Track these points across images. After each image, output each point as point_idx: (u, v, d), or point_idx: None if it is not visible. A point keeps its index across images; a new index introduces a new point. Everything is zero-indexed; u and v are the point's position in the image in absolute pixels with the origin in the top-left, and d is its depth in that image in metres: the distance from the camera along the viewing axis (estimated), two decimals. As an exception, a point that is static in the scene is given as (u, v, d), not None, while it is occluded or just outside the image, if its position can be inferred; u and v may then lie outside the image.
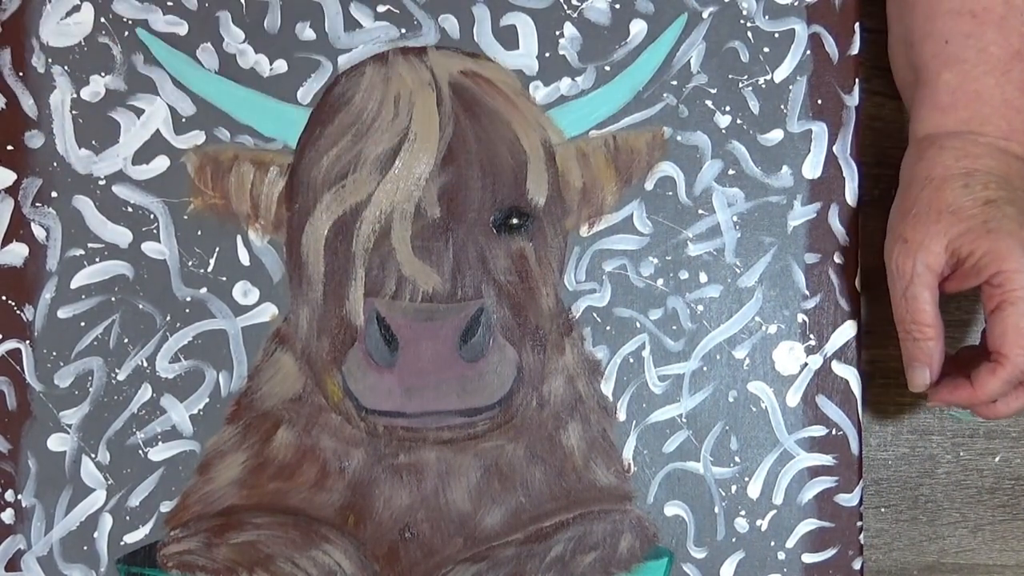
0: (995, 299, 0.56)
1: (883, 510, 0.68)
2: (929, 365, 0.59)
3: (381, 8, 0.64)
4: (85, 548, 0.62)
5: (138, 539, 0.63)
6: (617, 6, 0.64)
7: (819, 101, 0.65)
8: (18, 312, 0.63)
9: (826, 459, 0.64)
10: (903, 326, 0.59)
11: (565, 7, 0.64)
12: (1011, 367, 0.56)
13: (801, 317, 0.65)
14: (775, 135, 0.65)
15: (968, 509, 0.68)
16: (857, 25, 0.65)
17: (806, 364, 0.65)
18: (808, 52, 0.65)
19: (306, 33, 0.64)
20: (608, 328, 0.64)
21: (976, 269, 0.56)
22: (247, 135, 0.63)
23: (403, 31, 0.64)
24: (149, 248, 0.63)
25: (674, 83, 0.64)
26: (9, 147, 0.63)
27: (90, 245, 0.63)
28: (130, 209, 0.63)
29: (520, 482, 0.63)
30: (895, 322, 0.60)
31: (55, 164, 0.63)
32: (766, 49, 0.65)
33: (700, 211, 0.64)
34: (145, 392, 0.63)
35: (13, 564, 0.62)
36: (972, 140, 0.58)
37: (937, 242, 0.57)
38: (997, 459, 0.68)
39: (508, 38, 0.64)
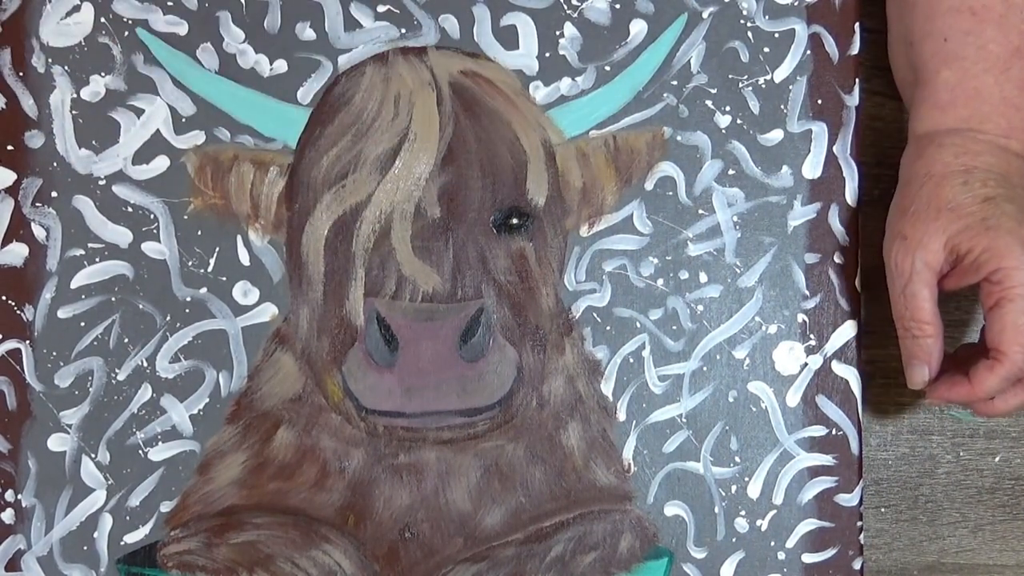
0: (994, 296, 0.56)
1: (883, 510, 0.68)
2: (928, 363, 0.59)
3: (381, 8, 0.64)
4: (85, 548, 0.62)
5: (138, 539, 0.63)
6: (617, 6, 0.64)
7: (819, 101, 0.65)
8: (18, 312, 0.63)
9: (826, 459, 0.64)
10: (902, 323, 0.59)
11: (565, 7, 0.64)
12: (1009, 364, 0.56)
13: (801, 317, 0.65)
14: (775, 135, 0.65)
15: (968, 509, 0.68)
16: (857, 25, 0.65)
17: (806, 364, 0.65)
18: (808, 52, 0.65)
19: (306, 33, 0.64)
20: (608, 328, 0.64)
21: (975, 266, 0.56)
22: (247, 135, 0.63)
23: (403, 31, 0.64)
24: (149, 248, 0.63)
25: (674, 83, 0.64)
26: (9, 147, 0.63)
27: (90, 245, 0.63)
28: (130, 209, 0.63)
29: (520, 482, 0.63)
30: (894, 319, 0.60)
31: (55, 164, 0.63)
32: (766, 49, 0.65)
33: (700, 211, 0.64)
34: (145, 392, 0.63)
35: (13, 564, 0.62)
36: (971, 137, 0.59)
37: (936, 239, 0.57)
38: (997, 459, 0.68)
39: (508, 38, 0.64)
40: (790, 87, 0.65)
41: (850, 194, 0.65)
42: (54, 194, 0.63)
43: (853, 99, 0.65)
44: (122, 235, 0.63)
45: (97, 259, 0.63)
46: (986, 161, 0.58)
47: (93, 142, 0.63)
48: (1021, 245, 0.55)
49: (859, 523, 0.64)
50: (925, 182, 0.59)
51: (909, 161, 0.61)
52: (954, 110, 0.59)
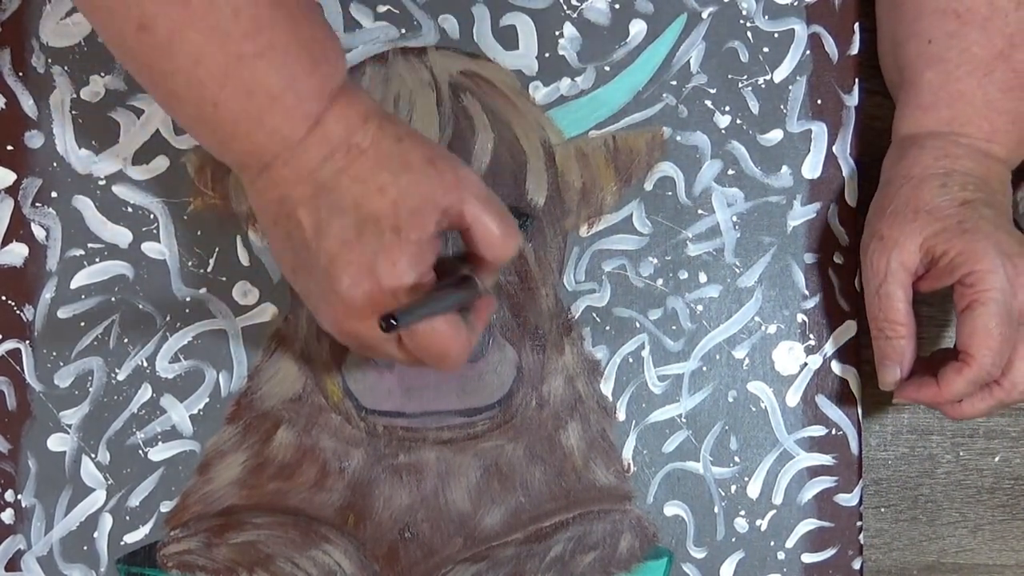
0: (966, 298, 0.56)
1: (883, 510, 0.68)
2: (899, 363, 0.59)
3: (381, 8, 0.64)
4: (85, 548, 0.62)
5: (138, 539, 0.63)
6: (617, 6, 0.64)
7: (819, 101, 0.65)
8: (18, 312, 0.63)
9: (826, 459, 0.64)
10: (875, 324, 0.59)
11: (565, 7, 0.64)
12: (977, 367, 0.56)
13: (801, 317, 0.65)
14: (775, 135, 0.65)
15: (968, 509, 0.68)
16: (856, 25, 0.65)
17: (806, 364, 0.65)
18: (808, 52, 0.65)
19: (306, 33, 0.64)
20: (607, 328, 0.64)
21: (950, 268, 0.56)
22: (247, 135, 0.63)
23: (403, 31, 0.64)
24: (149, 248, 0.63)
25: (674, 83, 0.64)
26: (9, 147, 0.63)
27: (90, 245, 0.63)
28: (130, 209, 0.63)
29: (520, 482, 0.63)
30: (868, 320, 0.60)
31: (55, 164, 0.63)
32: (766, 49, 0.65)
33: (700, 211, 0.64)
34: (145, 392, 0.63)
35: (13, 564, 0.62)
36: (953, 140, 0.59)
37: (912, 240, 0.57)
38: (997, 459, 0.68)
39: (508, 38, 0.64)
40: (790, 87, 0.65)
41: (850, 194, 0.65)
42: (54, 194, 0.63)
43: (853, 99, 0.65)
44: (122, 235, 0.63)
45: (97, 259, 0.63)
46: (966, 165, 0.58)
47: (93, 142, 0.63)
48: (996, 249, 0.55)
49: (859, 523, 0.64)
50: (904, 183, 0.59)
51: (890, 162, 0.61)
52: (936, 112, 0.59)
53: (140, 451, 0.63)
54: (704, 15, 0.65)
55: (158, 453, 0.63)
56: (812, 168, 0.65)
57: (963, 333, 0.56)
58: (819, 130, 0.65)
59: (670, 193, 0.64)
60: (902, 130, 0.61)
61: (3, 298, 0.63)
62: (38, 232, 0.63)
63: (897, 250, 0.57)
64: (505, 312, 0.62)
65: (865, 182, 0.65)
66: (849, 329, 0.64)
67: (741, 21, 0.65)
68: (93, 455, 0.63)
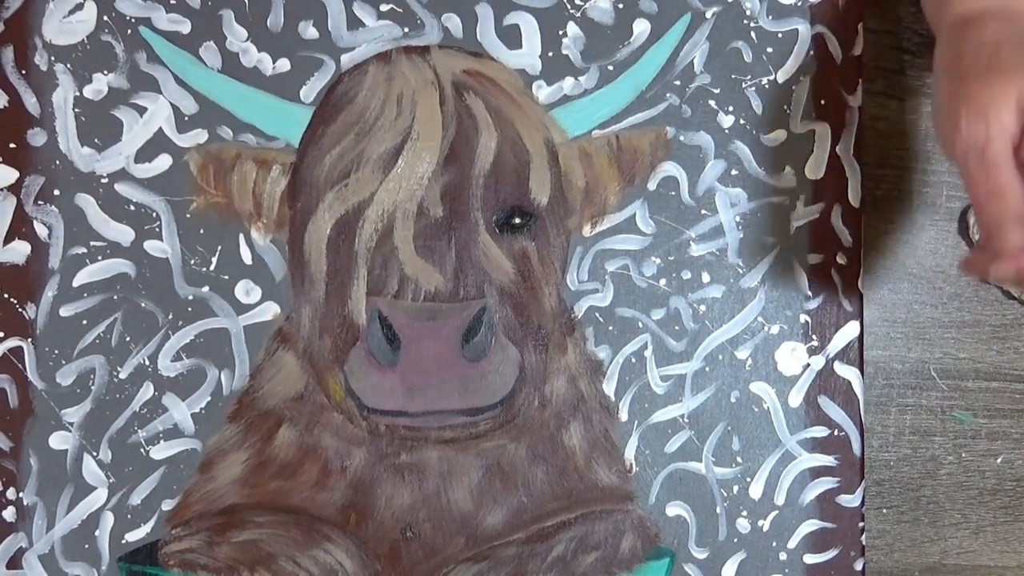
0: None
1: (885, 511, 0.68)
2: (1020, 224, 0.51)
3: (384, 7, 0.64)
4: (86, 546, 0.62)
5: (139, 537, 0.63)
6: (620, 6, 0.64)
7: (822, 101, 0.65)
8: (20, 310, 0.63)
9: (828, 460, 0.64)
10: (979, 198, 0.52)
11: (568, 6, 0.64)
12: None
13: (803, 318, 0.65)
14: (778, 135, 0.65)
15: (970, 510, 0.68)
16: (860, 25, 0.65)
17: (808, 365, 0.64)
18: (811, 52, 0.65)
19: (309, 32, 0.64)
20: (610, 328, 0.64)
21: None
22: (250, 134, 0.63)
23: (406, 30, 0.64)
24: (151, 246, 0.63)
25: (677, 83, 0.64)
26: (11, 145, 0.63)
27: (92, 243, 0.63)
28: (132, 207, 0.63)
29: (522, 482, 0.63)
30: (972, 202, 0.54)
31: (57, 162, 0.63)
32: (769, 49, 0.65)
33: (703, 211, 0.64)
34: (147, 390, 0.63)
35: (15, 562, 0.62)
36: (1014, 14, 0.54)
37: (1007, 98, 0.52)
38: (999, 460, 0.68)
39: (511, 37, 0.64)
40: (793, 87, 0.65)
41: (853, 194, 0.65)
42: (56, 192, 0.63)
43: (856, 99, 0.65)
44: (124, 233, 0.63)
45: (99, 257, 0.63)
46: None
47: (96, 140, 0.63)
48: None
49: (861, 524, 0.64)
50: (978, 50, 0.54)
51: (950, 42, 0.56)
52: None
53: (142, 449, 0.63)
54: (708, 15, 0.65)
55: (160, 451, 0.63)
56: (815, 168, 0.65)
57: None
58: (822, 130, 0.65)
59: (673, 193, 0.64)
60: (954, 12, 0.56)
61: (5, 296, 0.63)
62: (40, 230, 0.63)
63: (993, 108, 0.52)
64: (508, 312, 0.62)
65: (868, 182, 0.65)
66: (852, 330, 0.64)
67: (745, 21, 0.65)
68: (95, 453, 0.63)
